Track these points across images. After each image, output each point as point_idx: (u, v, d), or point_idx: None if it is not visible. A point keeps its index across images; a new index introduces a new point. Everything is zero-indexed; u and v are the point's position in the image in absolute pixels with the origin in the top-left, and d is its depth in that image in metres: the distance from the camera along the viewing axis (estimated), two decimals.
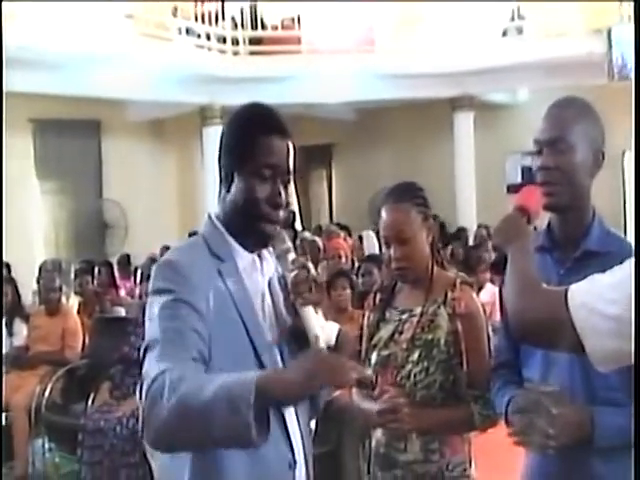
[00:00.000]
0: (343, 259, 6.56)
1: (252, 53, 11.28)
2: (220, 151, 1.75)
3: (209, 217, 1.75)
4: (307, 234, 9.35)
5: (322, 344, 1.69)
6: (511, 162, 12.14)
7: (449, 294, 2.26)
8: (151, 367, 1.49)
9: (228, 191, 1.72)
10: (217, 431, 1.38)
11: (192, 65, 10.21)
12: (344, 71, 10.89)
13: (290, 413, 1.69)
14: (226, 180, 1.72)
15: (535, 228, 2.01)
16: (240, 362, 1.59)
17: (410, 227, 2.27)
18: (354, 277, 5.48)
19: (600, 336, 1.39)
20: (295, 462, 1.70)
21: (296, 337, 1.77)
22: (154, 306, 1.58)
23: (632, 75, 9.82)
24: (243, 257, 1.70)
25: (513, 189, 11.49)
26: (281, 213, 1.72)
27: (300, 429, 1.73)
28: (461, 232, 10.64)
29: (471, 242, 9.96)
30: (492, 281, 6.92)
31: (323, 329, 1.72)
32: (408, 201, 2.30)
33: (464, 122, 11.73)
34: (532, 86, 11.37)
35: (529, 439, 1.72)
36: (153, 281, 1.62)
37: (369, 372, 2.30)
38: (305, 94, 10.87)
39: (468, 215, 11.50)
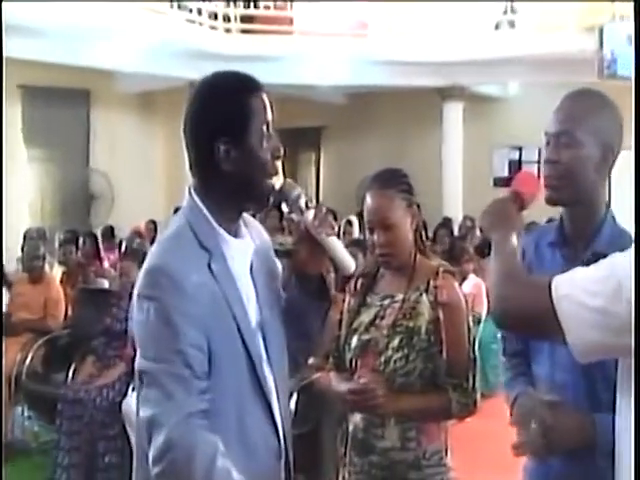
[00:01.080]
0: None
1: (243, 31, 11.19)
2: (193, 124, 1.67)
3: (190, 196, 1.69)
4: (294, 215, 9.32)
5: (352, 266, 1.79)
6: (499, 155, 12.17)
7: (431, 282, 2.26)
8: (155, 413, 1.51)
9: (209, 166, 1.64)
10: None
11: (183, 40, 10.12)
12: (336, 55, 10.84)
13: (275, 400, 1.70)
14: (206, 153, 1.64)
15: (534, 223, 2.00)
16: (231, 355, 1.61)
17: (394, 213, 2.27)
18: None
19: (582, 328, 1.39)
20: (282, 452, 1.72)
21: (285, 318, 1.79)
22: (146, 313, 1.55)
23: (623, 73, 9.87)
24: (230, 245, 1.67)
25: (500, 182, 11.54)
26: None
27: (282, 415, 1.73)
28: (446, 222, 10.68)
29: (456, 232, 10.01)
30: (475, 272, 6.97)
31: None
32: (393, 187, 2.29)
33: (453, 112, 11.72)
34: (523, 80, 11.38)
35: (524, 448, 1.73)
36: (144, 287, 1.58)
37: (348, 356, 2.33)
38: (295, 75, 10.81)
39: (454, 205, 11.50)
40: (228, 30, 11.09)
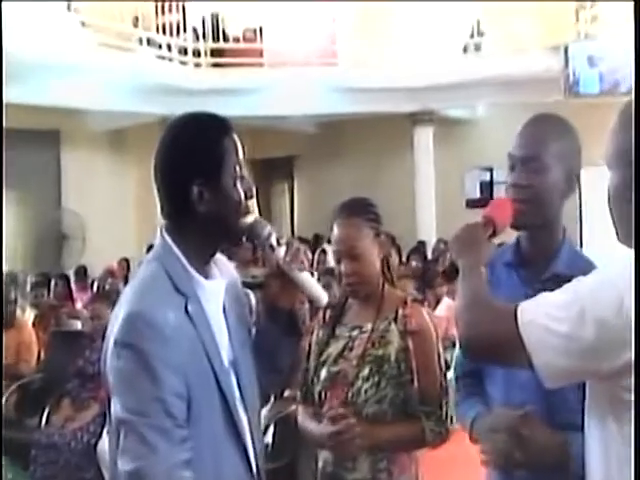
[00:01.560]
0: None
1: (214, 65, 11.24)
2: (165, 166, 1.66)
3: (162, 238, 1.68)
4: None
5: (325, 300, 1.83)
6: (470, 177, 12.25)
7: (400, 311, 2.26)
8: (138, 467, 1.49)
9: (183, 208, 1.64)
10: None
11: (153, 76, 10.13)
12: (306, 84, 10.90)
13: (249, 440, 1.69)
14: (179, 195, 1.63)
15: (502, 244, 2.01)
16: (207, 399, 1.60)
17: (361, 243, 2.26)
18: None
19: (548, 353, 1.39)
20: None
21: (256, 352, 1.79)
22: (125, 361, 1.53)
23: (585, 92, 10.01)
24: (204, 288, 1.66)
25: (472, 204, 11.60)
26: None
27: (256, 454, 1.72)
28: (420, 246, 10.71)
29: (429, 256, 10.03)
30: (450, 294, 6.97)
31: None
32: (360, 216, 2.29)
33: (424, 136, 11.81)
34: (491, 102, 11.48)
35: (499, 461, 1.72)
36: (122, 334, 1.55)
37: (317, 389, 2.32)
38: (266, 107, 10.85)
39: (427, 229, 11.56)
40: (198, 64, 11.14)
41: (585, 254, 1.97)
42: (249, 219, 1.72)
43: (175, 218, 1.68)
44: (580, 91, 10.11)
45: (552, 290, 1.48)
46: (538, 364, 1.41)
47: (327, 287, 5.52)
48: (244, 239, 1.75)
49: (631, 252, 1.42)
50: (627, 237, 1.47)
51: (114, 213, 11.48)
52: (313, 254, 9.69)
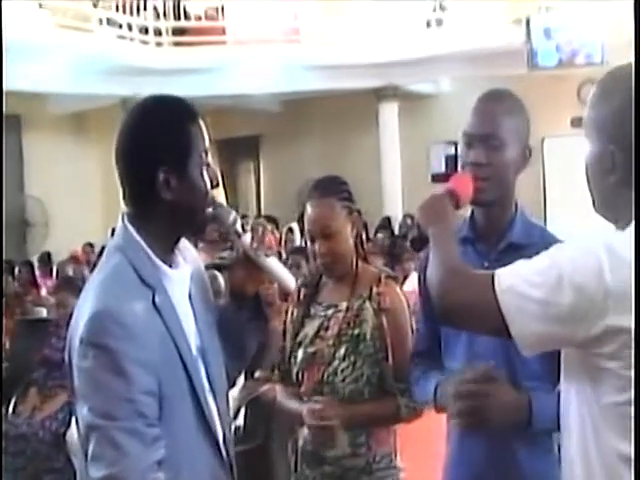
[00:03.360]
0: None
1: (175, 44, 11.11)
2: (130, 152, 1.61)
3: (124, 227, 1.62)
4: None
5: (293, 285, 1.87)
6: (435, 151, 12.27)
7: (374, 289, 2.27)
8: (111, 473, 1.45)
9: (148, 195, 1.59)
10: None
11: (114, 56, 9.99)
12: (269, 62, 10.83)
13: (219, 430, 1.67)
14: (144, 182, 1.58)
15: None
16: (177, 394, 1.57)
17: (335, 222, 2.27)
18: None
19: (525, 320, 1.40)
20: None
21: (221, 338, 1.77)
22: (93, 361, 1.48)
23: (544, 64, 10.09)
24: (170, 278, 1.63)
25: (438, 178, 11.62)
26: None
27: (226, 442, 1.70)
28: (387, 221, 10.71)
29: (396, 231, 10.04)
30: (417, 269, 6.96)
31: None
32: (333, 196, 2.29)
33: (389, 112, 11.83)
34: (454, 76, 11.51)
35: (469, 420, 1.73)
36: (90, 333, 1.49)
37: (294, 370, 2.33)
38: (230, 86, 10.77)
39: (394, 204, 11.60)
40: (159, 44, 11.02)
41: (538, 221, 2.01)
42: (214, 206, 1.70)
43: (139, 206, 1.63)
44: (539, 63, 10.16)
45: (508, 260, 1.51)
46: (515, 331, 1.42)
47: (296, 266, 5.50)
48: (207, 229, 1.73)
49: (611, 226, 1.45)
50: (602, 206, 1.50)
51: (78, 197, 11.38)
52: (280, 233, 9.65)
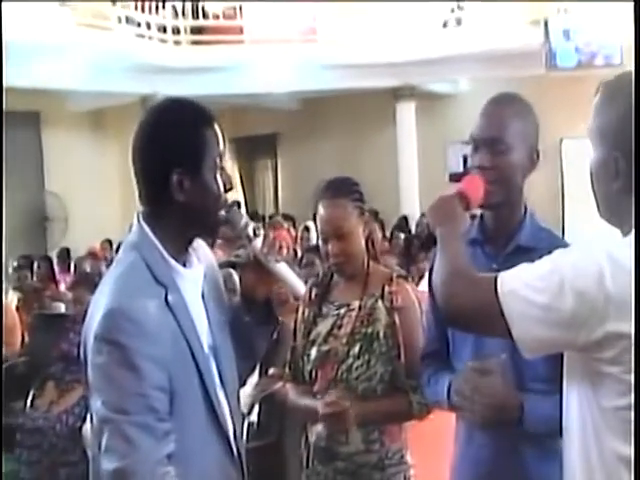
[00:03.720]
0: (284, 251, 6.48)
1: (194, 43, 11.13)
2: (145, 153, 1.64)
3: (140, 225, 1.65)
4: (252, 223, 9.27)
5: (303, 290, 1.87)
6: (452, 151, 12.22)
7: (386, 288, 2.30)
8: (122, 466, 1.48)
9: (162, 196, 1.62)
10: None
11: (132, 55, 10.02)
12: (287, 61, 10.84)
13: (230, 427, 1.69)
14: (158, 183, 1.61)
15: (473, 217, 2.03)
16: (189, 390, 1.60)
17: (347, 222, 2.30)
18: (296, 269, 5.43)
19: (528, 323, 1.41)
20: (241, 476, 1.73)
21: (232, 339, 1.78)
22: (107, 357, 1.51)
23: (563, 65, 10.06)
24: (183, 277, 1.65)
25: (455, 178, 11.58)
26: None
27: (237, 440, 1.72)
28: (403, 220, 10.69)
29: (414, 231, 10.01)
30: None
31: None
32: (345, 196, 2.32)
33: (406, 112, 11.80)
34: (472, 76, 11.45)
35: (464, 411, 1.76)
36: (105, 330, 1.52)
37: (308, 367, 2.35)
38: (248, 84, 10.77)
39: (411, 204, 11.56)
40: (178, 42, 11.03)
41: (546, 225, 2.01)
42: (223, 213, 1.71)
43: (153, 205, 1.66)
44: (558, 64, 10.14)
45: (516, 262, 1.51)
46: (517, 334, 1.43)
47: (310, 264, 5.52)
48: (220, 232, 1.75)
49: (614, 230, 1.46)
50: (607, 212, 1.51)
51: (97, 194, 11.42)
52: (296, 231, 9.66)
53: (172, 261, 1.64)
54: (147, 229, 1.64)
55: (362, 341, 2.27)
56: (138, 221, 1.66)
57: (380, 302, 2.29)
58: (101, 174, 11.67)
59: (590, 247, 1.42)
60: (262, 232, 1.81)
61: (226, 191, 1.69)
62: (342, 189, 2.34)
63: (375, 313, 2.28)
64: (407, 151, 11.79)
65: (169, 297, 1.59)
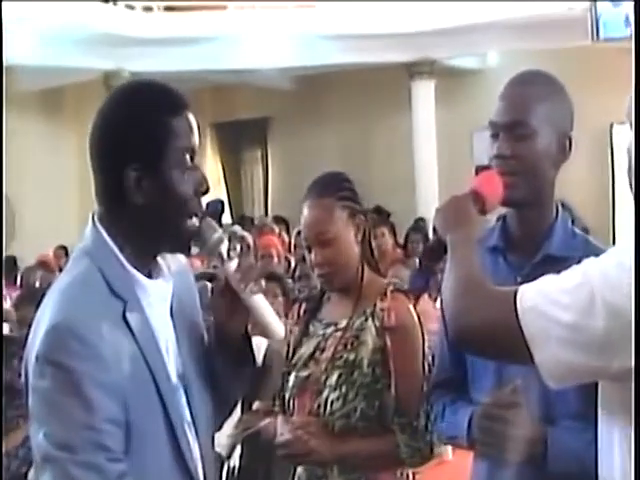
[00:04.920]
0: (275, 259, 6.51)
1: (167, 9, 11.22)
2: (100, 144, 1.64)
3: (95, 228, 1.64)
4: (237, 228, 9.27)
5: (282, 334, 1.78)
6: (479, 139, 12.20)
7: (378, 304, 2.28)
8: None
9: (117, 196, 1.61)
10: None
11: (95, 23, 10.09)
12: (279, 31, 10.87)
13: (200, 470, 1.69)
14: (113, 180, 1.61)
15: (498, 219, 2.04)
16: (150, 424, 1.59)
17: (333, 226, 2.30)
18: (289, 281, 5.44)
19: (551, 345, 1.41)
20: None
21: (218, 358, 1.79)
22: (50, 381, 1.50)
23: (609, 36, 10.04)
24: (146, 289, 1.65)
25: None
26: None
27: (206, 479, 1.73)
28: (420, 223, 10.68)
29: (431, 235, 10.01)
30: None
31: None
32: (331, 196, 2.32)
33: (424, 91, 11.79)
34: (503, 49, 11.49)
35: (486, 449, 1.78)
36: (48, 349, 1.51)
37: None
38: (233, 59, 10.84)
39: (429, 203, 11.49)
40: (148, 8, 11.10)
41: (580, 231, 2.02)
42: (195, 221, 1.67)
43: (109, 206, 1.66)
44: (605, 35, 10.16)
45: (544, 274, 1.50)
46: (539, 359, 1.43)
47: (305, 277, 5.52)
48: (191, 246, 1.71)
49: None
50: None
51: (51, 191, 11.43)
52: (289, 237, 9.66)
53: (133, 270, 1.63)
54: (103, 232, 1.63)
55: (342, 369, 2.26)
56: (93, 223, 1.65)
57: (370, 321, 2.27)
58: (56, 167, 11.70)
59: (624, 255, 1.42)
60: (238, 252, 1.77)
61: (199, 194, 1.67)
62: (328, 187, 2.34)
63: (362, 335, 2.27)
64: (425, 139, 11.75)
65: (127, 313, 1.58)
